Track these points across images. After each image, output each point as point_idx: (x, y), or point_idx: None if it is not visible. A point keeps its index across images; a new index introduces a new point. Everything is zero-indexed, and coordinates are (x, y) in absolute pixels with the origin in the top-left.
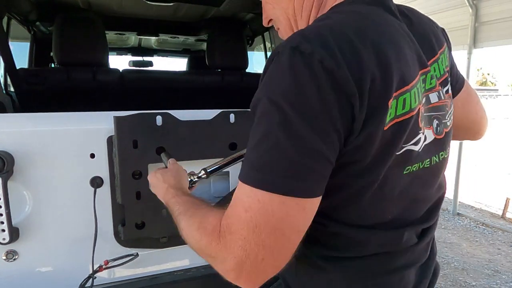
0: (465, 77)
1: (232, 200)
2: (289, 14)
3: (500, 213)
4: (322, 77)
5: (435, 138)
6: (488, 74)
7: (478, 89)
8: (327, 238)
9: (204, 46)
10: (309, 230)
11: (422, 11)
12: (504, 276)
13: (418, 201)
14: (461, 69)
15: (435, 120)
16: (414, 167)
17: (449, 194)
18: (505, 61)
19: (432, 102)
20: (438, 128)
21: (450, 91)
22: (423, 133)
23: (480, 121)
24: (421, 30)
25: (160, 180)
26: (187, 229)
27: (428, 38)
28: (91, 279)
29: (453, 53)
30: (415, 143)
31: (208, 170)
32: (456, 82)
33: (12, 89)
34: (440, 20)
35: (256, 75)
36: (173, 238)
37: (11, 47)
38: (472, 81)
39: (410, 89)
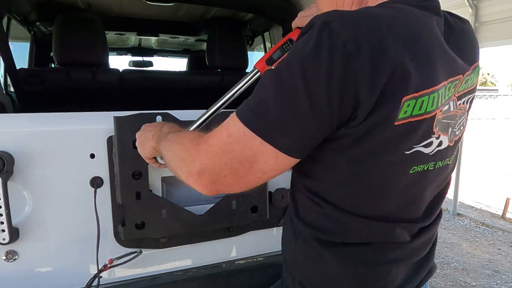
0: None
1: (222, 123)
2: (332, 6)
3: (500, 213)
4: (339, 58)
5: (448, 145)
6: (488, 74)
7: (478, 89)
8: (324, 221)
9: (204, 46)
10: (306, 209)
11: None
12: (504, 276)
13: (417, 201)
14: None
15: (450, 128)
16: (420, 167)
17: (449, 194)
18: (505, 61)
19: (451, 110)
20: (451, 135)
21: (467, 104)
22: (437, 138)
23: None
24: (461, 42)
25: (154, 124)
26: (173, 136)
27: (466, 52)
28: (97, 279)
29: None
30: (426, 145)
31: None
32: None
33: (12, 89)
34: None
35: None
36: (173, 238)
37: (11, 47)
38: None
39: (430, 93)
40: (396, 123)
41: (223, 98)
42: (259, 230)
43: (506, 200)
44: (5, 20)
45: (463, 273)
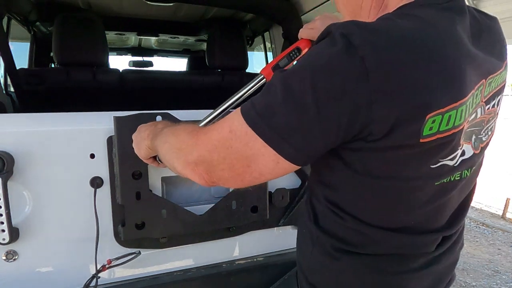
0: None
1: (226, 117)
2: (349, 10)
3: (500, 213)
4: (356, 74)
5: (473, 153)
6: None
7: None
8: (344, 232)
9: (204, 46)
10: (325, 218)
11: None
12: (504, 276)
13: (442, 211)
14: None
15: (473, 135)
16: (446, 179)
17: None
18: None
19: (477, 117)
20: (475, 143)
21: (496, 106)
22: (461, 149)
23: None
24: (490, 40)
25: (148, 123)
26: (170, 130)
27: (494, 51)
28: (95, 279)
29: None
30: (452, 158)
31: None
32: None
33: (12, 89)
34: None
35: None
36: (173, 238)
37: (11, 47)
38: None
39: (458, 107)
40: (422, 140)
41: (226, 103)
42: (259, 230)
43: (506, 200)
44: (5, 20)
45: (463, 273)
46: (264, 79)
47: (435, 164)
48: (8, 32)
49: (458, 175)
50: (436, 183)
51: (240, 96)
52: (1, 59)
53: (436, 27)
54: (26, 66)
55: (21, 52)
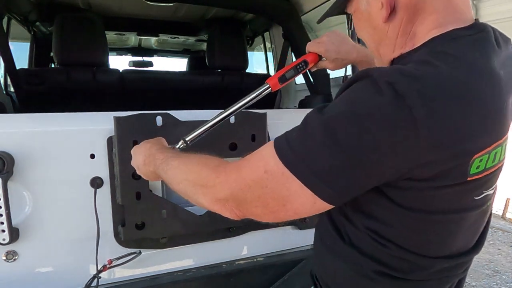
0: None
1: (257, 153)
2: (375, 39)
3: (500, 213)
4: (404, 122)
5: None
6: None
7: None
8: (388, 258)
9: (204, 46)
10: (363, 243)
11: None
12: (504, 276)
13: (477, 232)
14: None
15: None
16: (485, 206)
17: None
18: None
19: None
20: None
21: None
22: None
23: None
24: None
25: (143, 143)
26: (183, 164)
27: None
28: (96, 279)
29: None
30: (492, 188)
31: (187, 139)
32: None
33: (12, 89)
34: None
35: (256, 76)
36: (173, 239)
37: (11, 47)
38: None
39: (502, 143)
40: (469, 179)
41: (230, 108)
42: (259, 230)
43: (506, 200)
44: (5, 20)
45: None
46: (270, 89)
47: (479, 196)
48: (8, 32)
49: (490, 196)
50: (478, 211)
51: (245, 103)
52: (1, 59)
53: (476, 69)
54: (26, 66)
55: (21, 52)
